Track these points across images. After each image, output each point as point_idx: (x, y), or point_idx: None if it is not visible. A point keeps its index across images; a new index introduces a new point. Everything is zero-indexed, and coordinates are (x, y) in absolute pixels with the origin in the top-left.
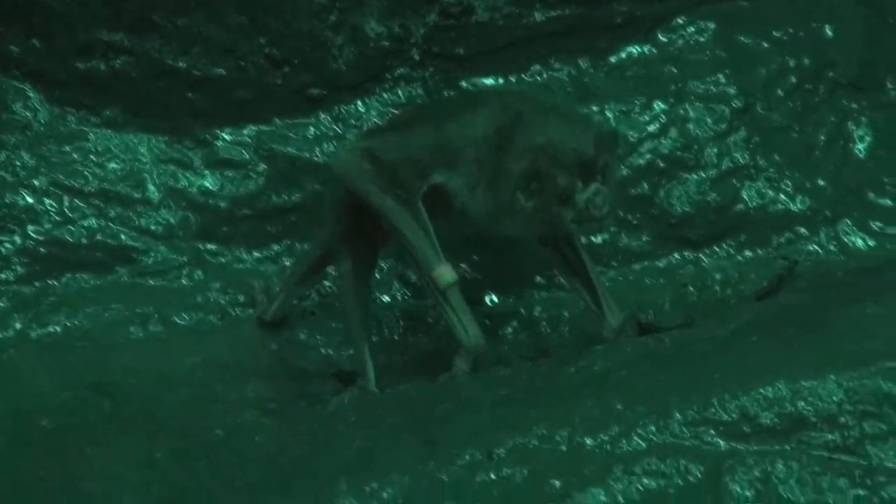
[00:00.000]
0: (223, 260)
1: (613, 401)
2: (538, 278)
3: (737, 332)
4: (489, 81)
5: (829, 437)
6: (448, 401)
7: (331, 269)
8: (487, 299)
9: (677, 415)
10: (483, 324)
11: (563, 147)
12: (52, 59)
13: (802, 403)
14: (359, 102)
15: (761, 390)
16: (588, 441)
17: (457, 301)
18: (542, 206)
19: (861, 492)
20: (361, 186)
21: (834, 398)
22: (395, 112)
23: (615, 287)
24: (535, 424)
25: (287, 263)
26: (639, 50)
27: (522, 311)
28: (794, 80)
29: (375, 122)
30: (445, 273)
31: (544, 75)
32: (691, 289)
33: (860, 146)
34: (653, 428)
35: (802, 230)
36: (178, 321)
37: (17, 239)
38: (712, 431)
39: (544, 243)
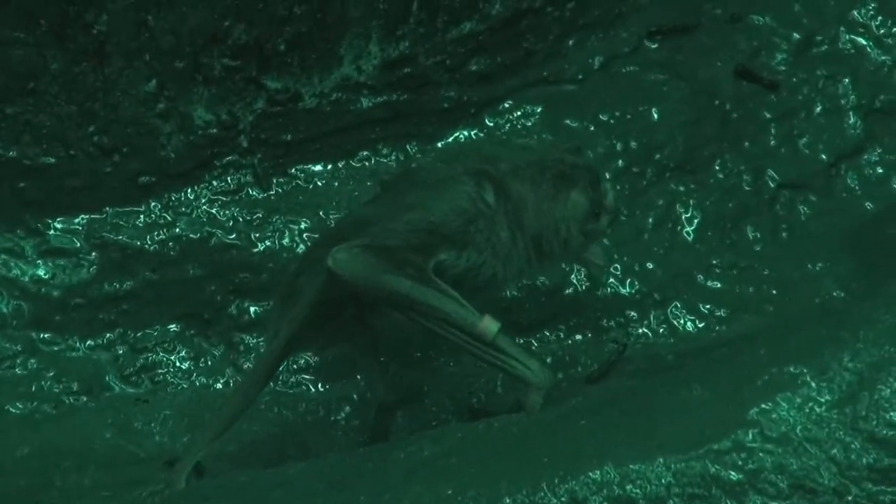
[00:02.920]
0: (56, 348)
1: (443, 486)
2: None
3: (566, 415)
4: (318, 168)
5: None
6: (280, 487)
7: None
8: (319, 385)
9: (507, 500)
10: (316, 411)
11: (574, 166)
12: None
13: (631, 486)
14: (188, 190)
15: (590, 474)
16: None
17: (509, 345)
18: (586, 231)
19: None
20: (371, 279)
21: (662, 481)
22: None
23: (445, 368)
24: None
25: (120, 352)
26: (466, 134)
27: (354, 396)
28: (621, 163)
29: (207, 211)
30: (489, 324)
31: (372, 161)
32: None
33: (689, 228)
34: None
35: (632, 313)
36: (12, 410)
37: None
38: None
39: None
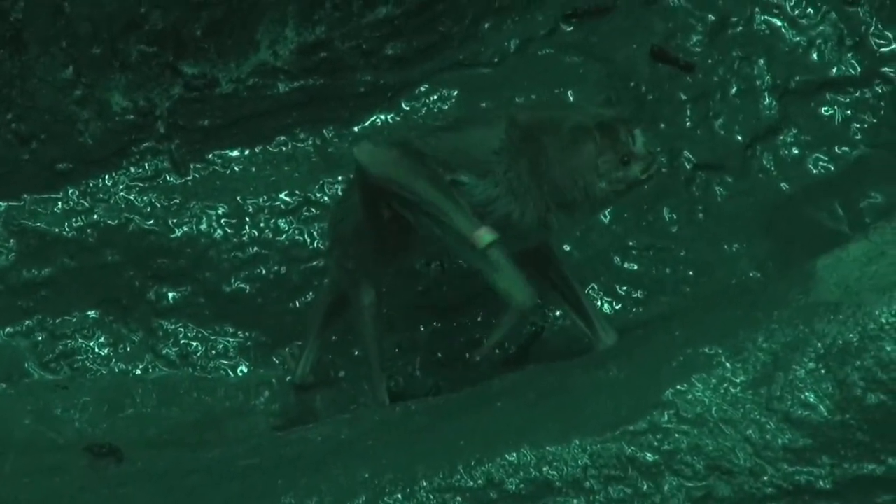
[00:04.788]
0: None
1: (361, 469)
2: (289, 347)
3: (482, 397)
4: (235, 153)
5: (575, 501)
6: (198, 472)
7: None
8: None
9: (424, 482)
10: (235, 396)
11: (597, 116)
12: None
13: (547, 468)
14: (106, 176)
15: (506, 456)
16: None
17: (500, 260)
18: (613, 178)
19: None
20: (390, 171)
21: (579, 462)
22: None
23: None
24: (283, 494)
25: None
26: (383, 118)
27: (273, 381)
28: None
29: (125, 197)
30: (484, 233)
31: (290, 145)
32: (439, 355)
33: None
34: (399, 496)
35: None
36: None
37: None
38: (459, 498)
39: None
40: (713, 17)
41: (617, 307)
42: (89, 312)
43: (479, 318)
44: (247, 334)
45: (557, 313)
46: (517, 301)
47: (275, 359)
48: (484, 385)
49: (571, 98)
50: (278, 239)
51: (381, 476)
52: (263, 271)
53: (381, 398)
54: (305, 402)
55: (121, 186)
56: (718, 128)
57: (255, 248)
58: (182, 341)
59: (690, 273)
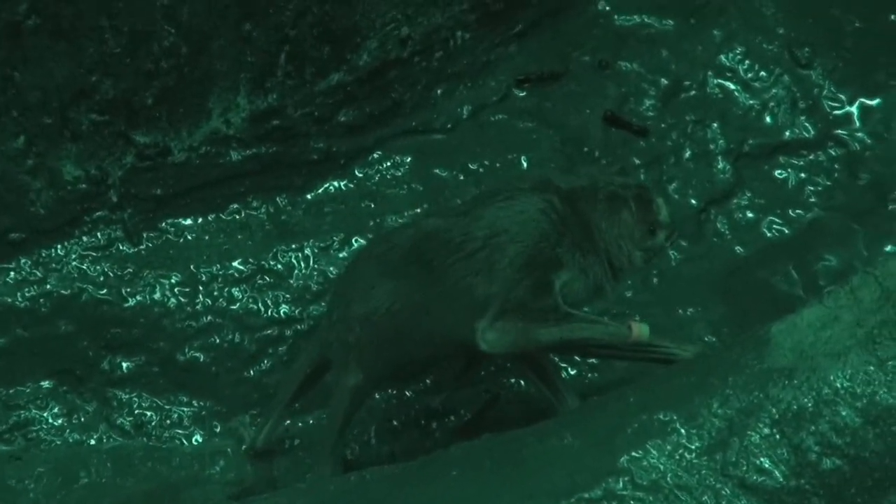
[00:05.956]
0: None
1: None
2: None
3: (438, 467)
4: (188, 221)
5: None
6: None
7: None
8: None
9: None
10: (191, 465)
11: (625, 186)
12: None
13: None
14: (59, 246)
15: None
16: None
17: (659, 338)
18: (644, 247)
19: None
20: (529, 342)
21: None
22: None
23: (320, 419)
24: None
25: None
26: (336, 186)
27: (229, 450)
28: None
29: (78, 266)
30: (639, 330)
31: (242, 213)
32: (395, 422)
33: None
34: None
35: (506, 363)
36: None
37: None
38: None
39: None
40: (666, 82)
41: (572, 372)
42: (43, 382)
43: (433, 385)
44: (201, 403)
45: (513, 379)
46: (691, 352)
47: (229, 425)
48: (439, 453)
49: (525, 164)
50: (232, 307)
51: None
52: (217, 340)
53: (322, 470)
54: (261, 471)
55: (73, 256)
56: (672, 192)
57: (209, 317)
58: (136, 411)
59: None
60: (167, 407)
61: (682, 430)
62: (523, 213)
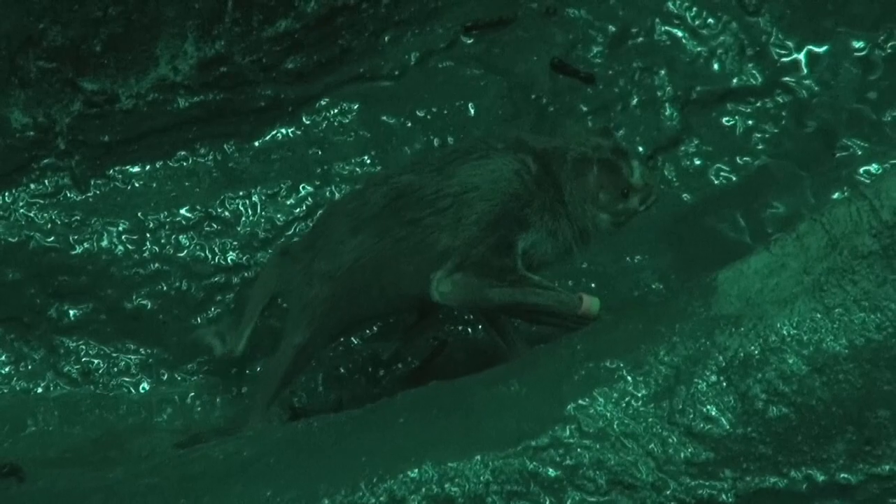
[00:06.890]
0: None
1: (262, 488)
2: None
3: (384, 414)
4: (136, 169)
5: None
6: (100, 491)
7: None
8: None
9: (326, 500)
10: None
11: (597, 148)
12: None
13: (449, 485)
14: (6, 193)
15: (408, 472)
16: None
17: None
18: (614, 211)
19: None
20: (481, 299)
21: (481, 479)
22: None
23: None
24: None
25: None
26: (283, 133)
27: (176, 398)
28: None
29: (25, 214)
30: (590, 305)
31: (190, 161)
32: (342, 370)
33: None
34: None
35: (452, 310)
36: None
37: None
38: None
39: None
40: (613, 29)
41: (516, 321)
42: None
43: (380, 333)
44: (149, 351)
45: (460, 326)
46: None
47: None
48: (386, 401)
49: (472, 111)
50: (179, 255)
51: (282, 494)
52: (165, 287)
53: (254, 423)
54: (207, 418)
55: (21, 203)
56: (620, 139)
57: (157, 265)
58: (84, 359)
59: (592, 285)
60: (114, 355)
61: (629, 378)
62: (495, 171)
